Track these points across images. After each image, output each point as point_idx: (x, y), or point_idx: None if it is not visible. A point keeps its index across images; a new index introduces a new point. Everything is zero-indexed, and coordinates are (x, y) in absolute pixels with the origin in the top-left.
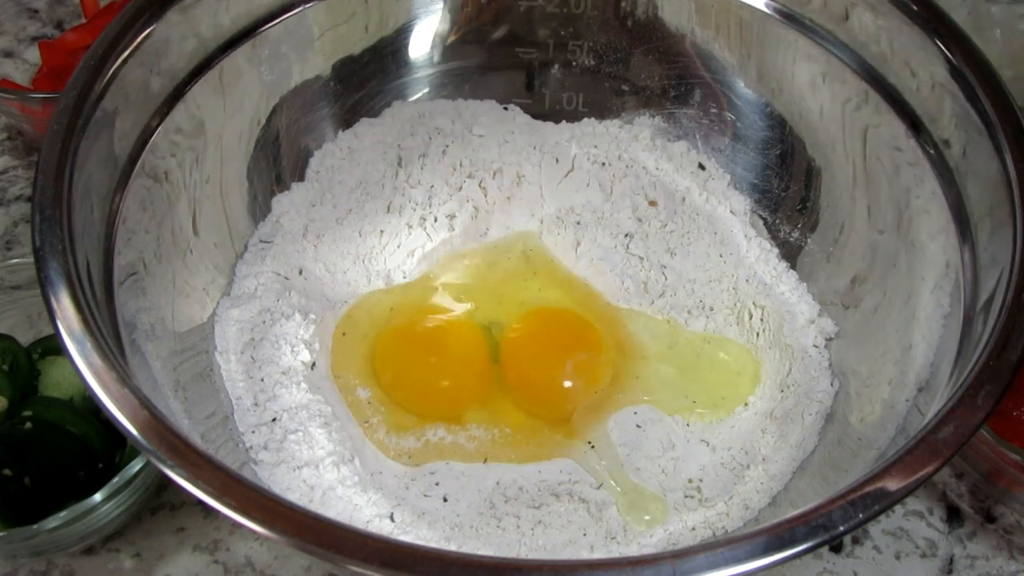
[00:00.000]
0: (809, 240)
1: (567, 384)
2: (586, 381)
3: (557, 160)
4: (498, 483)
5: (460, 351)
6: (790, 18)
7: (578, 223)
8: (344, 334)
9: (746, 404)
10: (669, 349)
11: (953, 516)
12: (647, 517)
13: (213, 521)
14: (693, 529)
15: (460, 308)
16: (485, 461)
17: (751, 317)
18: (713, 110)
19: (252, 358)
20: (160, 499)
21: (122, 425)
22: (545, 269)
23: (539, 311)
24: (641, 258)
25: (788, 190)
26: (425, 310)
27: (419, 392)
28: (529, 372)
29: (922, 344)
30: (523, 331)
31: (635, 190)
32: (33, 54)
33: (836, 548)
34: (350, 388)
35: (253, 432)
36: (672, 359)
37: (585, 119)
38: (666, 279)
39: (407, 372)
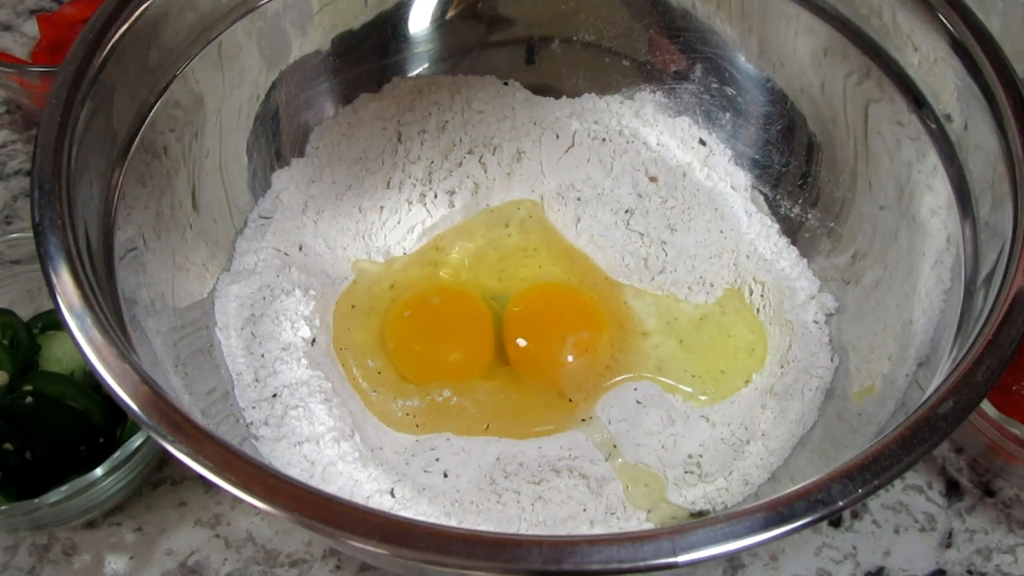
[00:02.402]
0: (810, 216)
1: (567, 359)
2: (587, 357)
3: (557, 136)
4: (498, 459)
5: (466, 325)
6: None
7: (578, 199)
8: (353, 307)
9: (748, 381)
10: (669, 325)
11: (952, 490)
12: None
13: (214, 496)
14: (693, 504)
15: (461, 283)
16: (487, 428)
17: (751, 293)
18: (714, 85)
19: (252, 334)
20: (161, 474)
21: (122, 401)
22: (545, 245)
23: (542, 287)
24: (641, 234)
25: (789, 165)
26: (430, 284)
27: (426, 364)
28: (530, 346)
29: (922, 319)
30: (525, 306)
31: (636, 166)
32: (32, 27)
33: (835, 523)
34: (357, 360)
35: (254, 408)
36: (672, 335)
37: (586, 94)
38: (666, 255)
39: (415, 345)
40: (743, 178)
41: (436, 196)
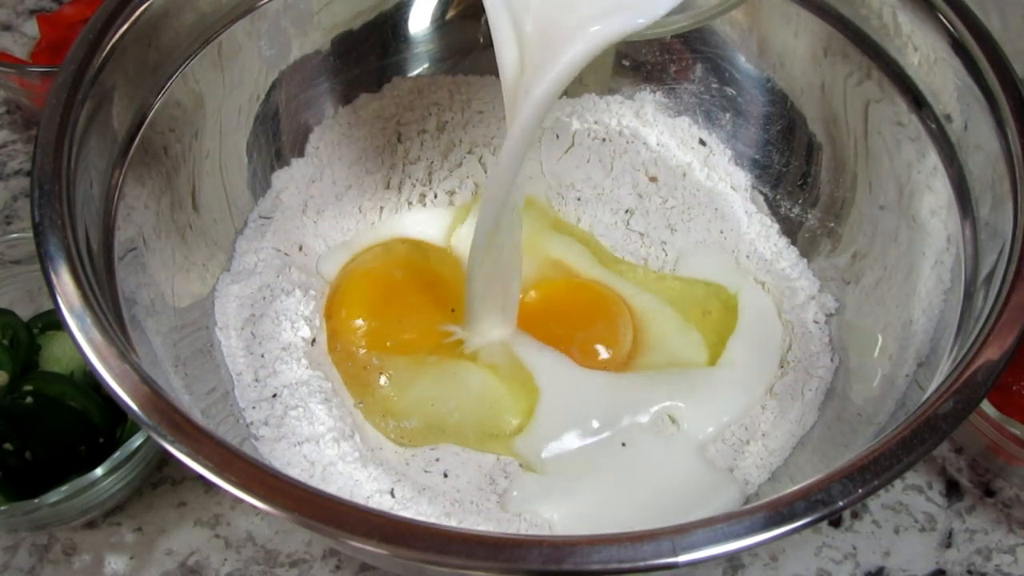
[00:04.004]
0: (810, 216)
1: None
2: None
3: (557, 136)
4: (498, 459)
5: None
6: None
7: (578, 199)
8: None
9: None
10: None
11: (952, 490)
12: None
13: (214, 496)
14: None
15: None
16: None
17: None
18: (714, 85)
19: (252, 334)
20: (161, 474)
21: (122, 401)
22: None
23: (564, 283)
24: (642, 234)
25: (789, 166)
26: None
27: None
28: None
29: (922, 319)
30: (542, 297)
31: (636, 166)
32: (32, 27)
33: (835, 523)
34: (350, 355)
35: (254, 408)
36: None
37: (586, 94)
38: (666, 255)
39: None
40: (743, 178)
41: (436, 196)
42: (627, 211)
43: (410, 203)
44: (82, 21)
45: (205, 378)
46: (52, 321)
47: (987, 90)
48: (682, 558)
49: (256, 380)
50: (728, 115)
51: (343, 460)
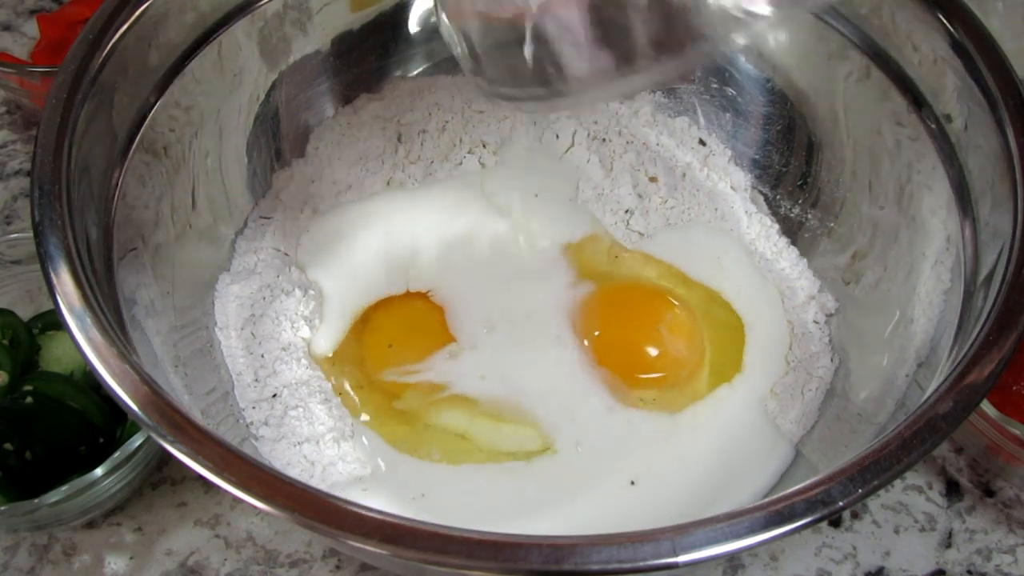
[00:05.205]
0: (810, 216)
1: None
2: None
3: (557, 136)
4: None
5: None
6: None
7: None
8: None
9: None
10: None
11: (952, 490)
12: None
13: (214, 496)
14: None
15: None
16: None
17: None
18: (714, 85)
19: (252, 334)
20: (161, 474)
21: (122, 401)
22: None
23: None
24: (641, 234)
25: (789, 166)
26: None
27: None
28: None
29: (922, 319)
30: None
31: (635, 166)
32: (32, 27)
33: (835, 523)
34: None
35: (254, 408)
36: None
37: None
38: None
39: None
40: (743, 178)
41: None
42: (627, 211)
43: None
44: (82, 21)
45: (205, 378)
46: (52, 321)
47: (987, 90)
48: (682, 558)
49: (256, 380)
50: (728, 115)
51: (343, 460)
